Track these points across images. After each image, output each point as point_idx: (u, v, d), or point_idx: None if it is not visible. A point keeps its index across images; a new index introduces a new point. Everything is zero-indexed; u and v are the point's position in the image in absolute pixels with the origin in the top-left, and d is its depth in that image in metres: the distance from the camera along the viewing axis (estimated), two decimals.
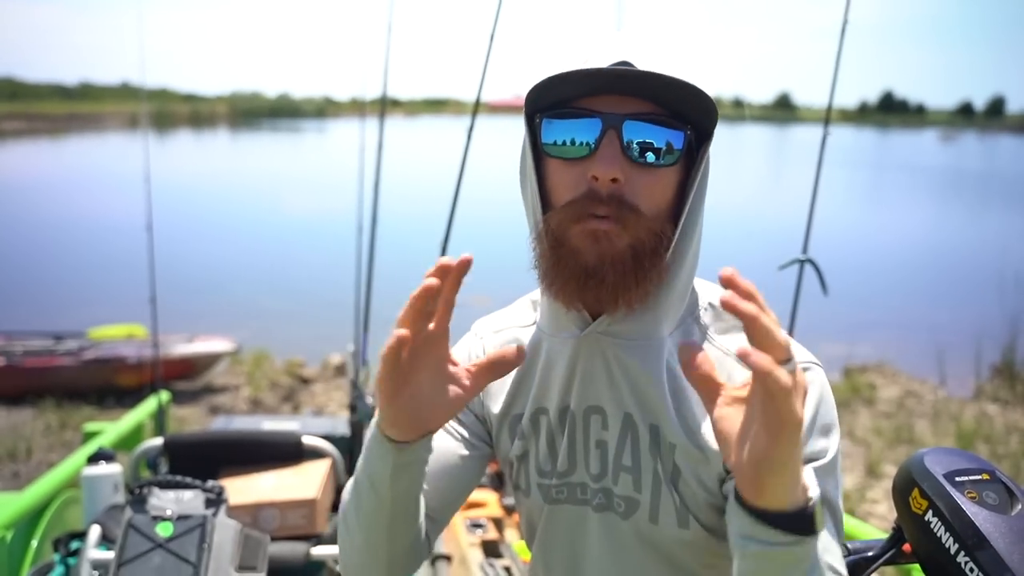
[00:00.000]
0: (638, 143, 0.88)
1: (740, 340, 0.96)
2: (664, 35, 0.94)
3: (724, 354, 0.97)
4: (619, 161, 0.87)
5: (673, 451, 0.95)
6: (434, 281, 0.78)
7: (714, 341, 0.98)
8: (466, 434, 1.08)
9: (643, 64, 0.88)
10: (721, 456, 0.92)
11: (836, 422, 0.94)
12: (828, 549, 0.86)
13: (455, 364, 0.85)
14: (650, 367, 0.95)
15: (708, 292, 1.02)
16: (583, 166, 0.89)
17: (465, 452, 1.07)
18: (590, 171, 0.88)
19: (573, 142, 0.90)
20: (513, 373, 1.05)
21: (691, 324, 0.99)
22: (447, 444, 1.06)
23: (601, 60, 0.89)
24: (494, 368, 0.86)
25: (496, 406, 1.07)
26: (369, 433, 0.89)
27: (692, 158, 0.93)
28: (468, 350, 1.13)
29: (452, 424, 1.08)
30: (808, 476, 0.71)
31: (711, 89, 0.91)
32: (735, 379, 0.93)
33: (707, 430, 0.93)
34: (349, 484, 0.97)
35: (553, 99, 0.91)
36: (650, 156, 0.89)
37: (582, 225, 0.88)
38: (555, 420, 1.02)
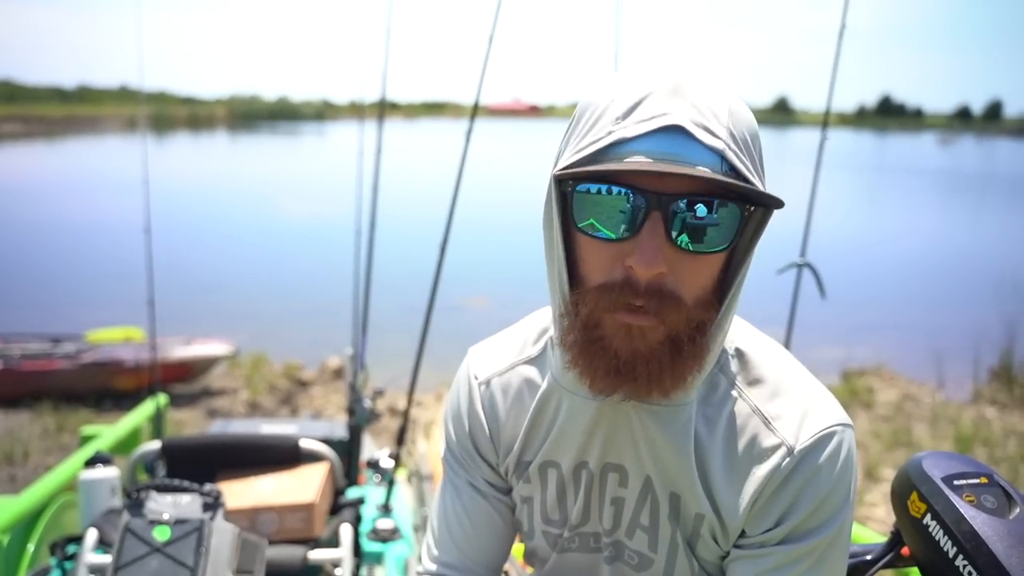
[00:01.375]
0: (687, 228, 0.77)
1: (768, 394, 0.91)
2: (715, 80, 0.82)
3: (751, 411, 0.90)
4: (663, 250, 0.77)
5: (700, 521, 0.91)
6: None
7: (742, 394, 0.91)
8: (496, 490, 1.06)
9: (696, 130, 0.76)
10: (738, 528, 0.91)
11: (852, 490, 0.89)
12: None
13: None
14: (676, 437, 0.89)
15: (734, 334, 0.95)
16: (621, 248, 0.79)
17: (502, 506, 1.06)
18: (628, 259, 0.78)
19: (609, 222, 0.78)
20: (524, 418, 1.00)
21: (717, 374, 0.92)
22: (479, 501, 1.05)
23: (648, 120, 0.77)
24: None
25: (506, 449, 1.03)
26: None
27: (743, 228, 0.82)
28: (471, 402, 1.04)
29: (475, 477, 1.06)
30: None
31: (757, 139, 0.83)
32: (760, 442, 0.89)
33: (729, 500, 0.90)
34: None
35: (585, 158, 0.79)
36: (700, 242, 0.78)
37: (616, 315, 0.79)
38: (568, 475, 0.97)
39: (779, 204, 0.78)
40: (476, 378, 1.04)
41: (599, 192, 0.78)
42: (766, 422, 0.89)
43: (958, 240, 16.24)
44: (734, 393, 0.91)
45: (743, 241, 0.83)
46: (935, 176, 35.08)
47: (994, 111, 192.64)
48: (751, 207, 0.80)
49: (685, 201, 0.76)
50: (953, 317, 9.47)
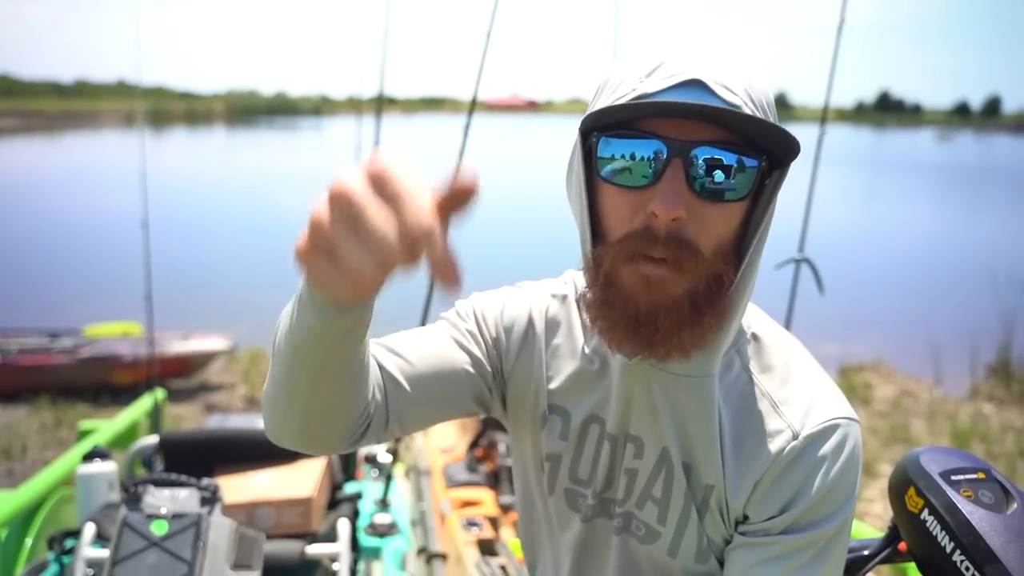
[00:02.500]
0: (706, 174, 0.78)
1: (779, 380, 0.92)
2: (732, 52, 0.83)
3: (761, 394, 0.91)
4: (683, 195, 0.78)
5: (710, 492, 0.92)
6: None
7: (754, 377, 0.92)
8: (481, 362, 0.99)
9: (716, 85, 0.79)
10: (739, 508, 0.91)
11: (855, 484, 0.90)
12: None
13: None
14: (699, 405, 0.90)
15: (748, 317, 0.96)
16: (642, 196, 0.80)
17: (469, 378, 0.97)
18: (649, 205, 0.79)
19: (633, 169, 0.80)
20: (572, 359, 0.97)
21: (732, 355, 0.93)
22: (454, 356, 0.97)
23: (669, 76, 0.79)
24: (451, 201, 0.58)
25: (534, 380, 0.99)
26: (294, 300, 0.75)
27: (760, 186, 0.84)
28: (529, 295, 1.02)
29: (469, 345, 0.99)
30: None
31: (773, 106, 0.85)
32: (767, 423, 0.90)
33: (734, 477, 0.90)
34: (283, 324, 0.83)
35: (613, 118, 0.81)
36: (720, 188, 0.79)
37: (635, 267, 0.80)
38: (605, 436, 0.97)
39: (795, 146, 0.79)
40: (547, 288, 1.03)
41: (622, 140, 0.80)
42: (774, 406, 0.90)
43: (956, 236, 16.25)
44: (746, 375, 0.92)
45: (762, 199, 0.85)
46: (933, 172, 35.12)
47: (992, 107, 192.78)
48: (767, 160, 0.82)
49: (704, 149, 0.78)
50: (951, 313, 9.48)
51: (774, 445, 0.88)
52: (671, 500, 0.94)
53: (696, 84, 0.78)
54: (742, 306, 0.87)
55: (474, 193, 0.57)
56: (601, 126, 0.82)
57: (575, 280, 1.02)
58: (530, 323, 1.01)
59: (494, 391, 1.01)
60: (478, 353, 0.99)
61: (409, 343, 0.96)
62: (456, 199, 0.56)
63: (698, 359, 0.88)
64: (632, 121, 0.80)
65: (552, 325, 1.01)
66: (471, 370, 0.98)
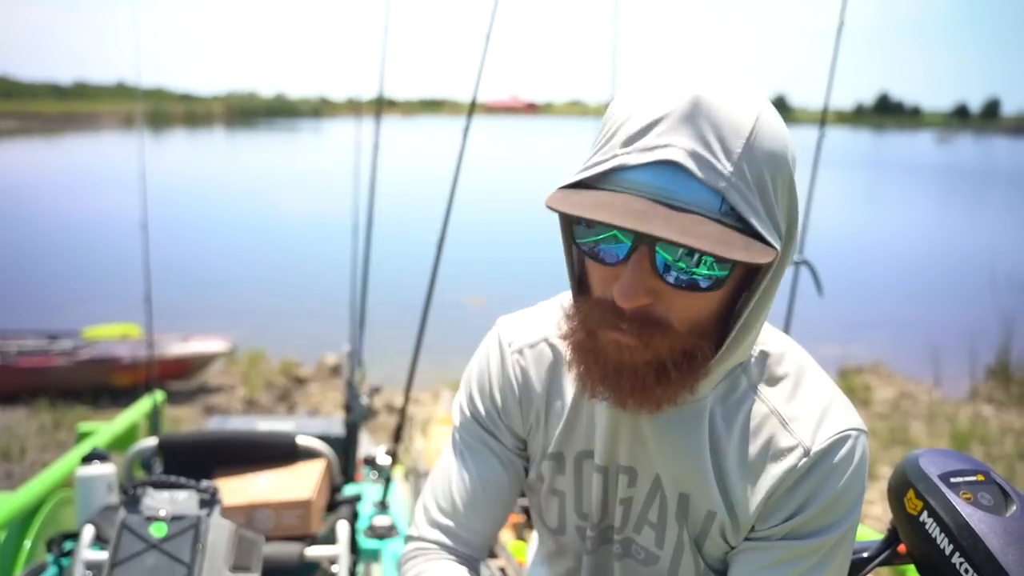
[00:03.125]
0: (675, 267, 0.76)
1: (787, 396, 0.92)
2: (744, 100, 0.77)
3: (769, 412, 0.91)
4: (646, 284, 0.77)
5: (711, 520, 0.92)
6: None
7: (761, 395, 0.92)
8: (508, 452, 1.05)
9: (699, 165, 0.74)
10: (750, 524, 0.91)
11: (861, 493, 0.90)
12: None
13: None
14: (687, 435, 0.90)
15: (760, 336, 0.94)
16: (612, 271, 0.80)
17: (510, 470, 1.05)
18: (615, 287, 0.78)
19: (603, 246, 0.79)
20: (559, 400, 1.00)
21: (738, 374, 0.92)
22: (489, 467, 1.04)
23: (650, 149, 0.75)
24: None
25: (541, 431, 1.03)
26: None
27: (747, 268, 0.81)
28: (503, 368, 1.04)
29: (491, 441, 1.04)
30: None
31: (785, 179, 0.79)
32: (777, 442, 0.90)
33: (743, 498, 0.90)
34: None
35: (591, 181, 0.80)
36: (685, 283, 0.77)
37: (606, 332, 0.81)
38: (596, 468, 0.98)
39: (763, 261, 0.74)
40: (510, 345, 1.04)
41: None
42: (783, 423, 0.90)
43: (956, 238, 16.26)
44: (753, 394, 0.92)
45: (756, 282, 0.82)
46: (933, 174, 35.13)
47: (992, 109, 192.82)
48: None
49: (669, 246, 0.75)
50: (950, 315, 9.48)
51: (786, 463, 0.89)
52: (666, 525, 0.95)
53: (674, 165, 0.74)
54: (733, 360, 0.87)
55: None
56: (564, 212, 0.80)
57: (562, 310, 1.01)
58: (520, 389, 1.03)
59: (523, 458, 1.07)
60: (506, 442, 1.04)
61: (460, 491, 1.04)
62: None
63: (666, 407, 0.87)
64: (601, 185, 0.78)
65: (534, 382, 1.02)
66: (509, 459, 1.04)
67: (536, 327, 1.04)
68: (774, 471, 0.89)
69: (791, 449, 0.89)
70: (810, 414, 0.90)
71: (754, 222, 0.75)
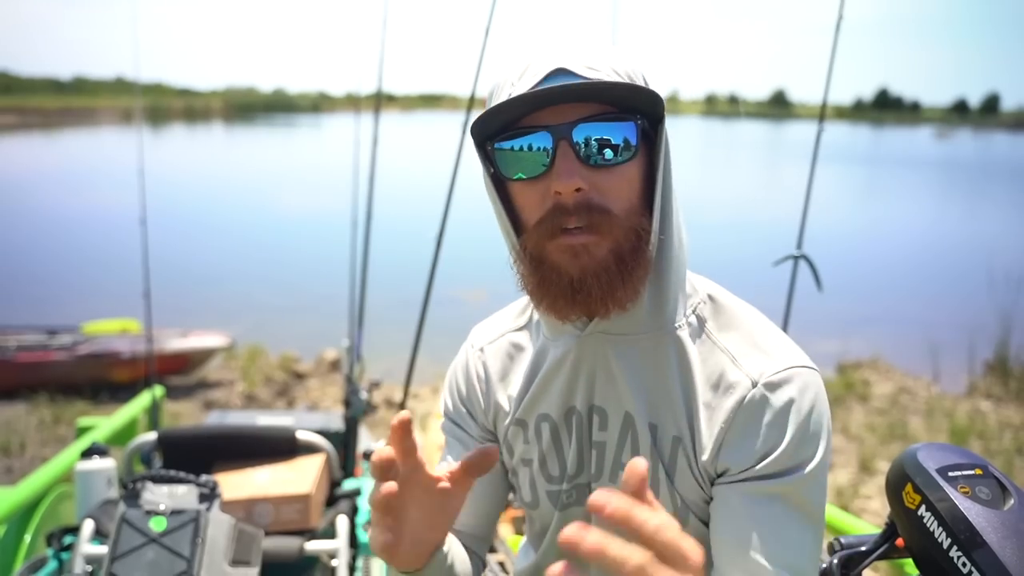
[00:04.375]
0: (593, 145, 0.86)
1: (737, 338, 0.97)
2: (594, 36, 0.92)
3: (720, 350, 0.96)
4: (577, 169, 0.86)
5: (677, 445, 0.95)
6: (387, 451, 0.76)
7: (711, 335, 0.98)
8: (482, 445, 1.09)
9: (580, 68, 0.86)
10: (712, 460, 0.94)
11: (824, 430, 0.93)
12: (794, 550, 0.89)
13: (439, 480, 0.81)
14: (654, 362, 0.96)
15: (704, 284, 1.02)
16: (544, 183, 0.88)
17: (494, 469, 1.09)
18: (552, 187, 0.87)
19: (528, 162, 0.88)
20: (517, 379, 1.07)
21: (690, 316, 0.98)
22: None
23: (537, 73, 0.87)
24: (470, 471, 0.80)
25: (501, 414, 1.08)
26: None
27: (651, 146, 0.91)
28: (467, 366, 1.12)
29: (466, 437, 1.11)
30: None
31: (652, 76, 0.92)
32: (727, 376, 0.94)
33: (700, 427, 0.94)
34: None
35: (500, 124, 0.89)
36: (608, 154, 0.87)
37: (557, 241, 0.88)
38: (561, 423, 1.02)
39: (656, 98, 0.87)
40: (473, 347, 1.13)
41: (513, 143, 0.88)
42: (733, 360, 0.95)
43: (954, 233, 16.27)
44: (704, 334, 0.97)
45: (658, 152, 0.91)
46: (931, 169, 35.13)
47: (991, 104, 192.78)
48: (642, 117, 0.89)
49: (584, 124, 0.86)
50: (949, 310, 9.49)
51: (734, 396, 0.93)
52: None
53: (562, 72, 0.86)
54: (673, 255, 0.93)
55: (408, 427, 0.76)
56: (491, 134, 0.90)
57: (521, 301, 1.11)
58: (480, 383, 1.10)
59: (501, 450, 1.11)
60: (478, 436, 1.10)
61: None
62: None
63: (642, 315, 0.94)
64: (515, 122, 0.88)
65: (493, 373, 1.10)
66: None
67: (497, 326, 1.13)
68: (725, 405, 0.93)
69: (739, 383, 0.93)
70: (758, 351, 0.95)
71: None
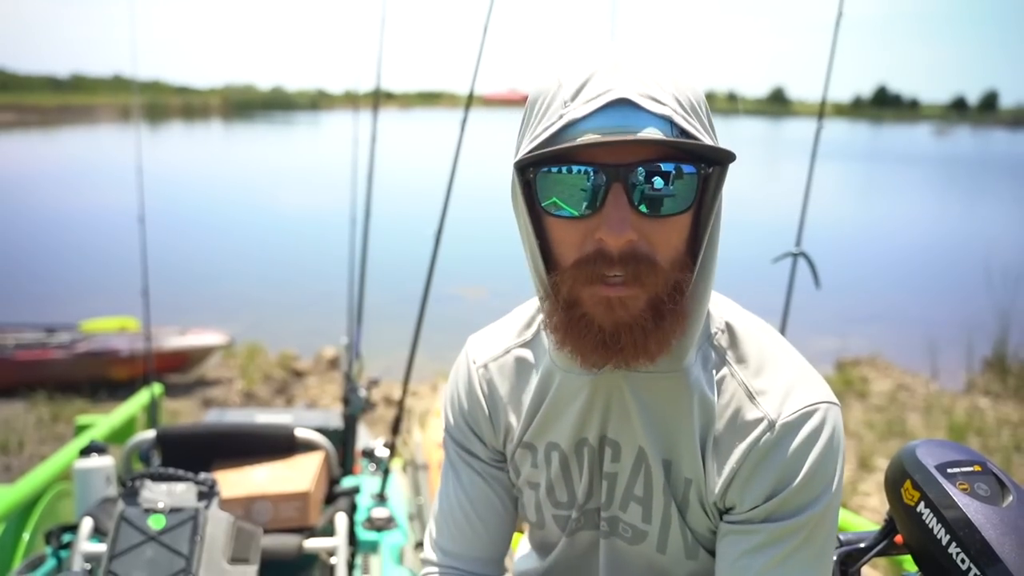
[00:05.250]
0: (647, 194, 0.79)
1: (755, 370, 0.93)
2: (656, 54, 0.83)
3: (737, 385, 0.92)
4: (629, 218, 0.79)
5: (689, 486, 0.93)
6: None
7: (730, 368, 0.93)
8: (492, 467, 1.08)
9: (644, 100, 0.78)
10: (722, 498, 0.92)
11: (839, 465, 0.91)
12: None
13: None
14: (672, 401, 0.92)
15: (721, 310, 0.97)
16: (588, 223, 0.81)
17: (500, 485, 1.08)
18: (597, 232, 0.80)
19: (575, 199, 0.80)
20: (526, 401, 1.02)
21: (707, 348, 0.94)
22: (480, 485, 1.07)
23: (596, 98, 0.79)
24: None
25: (511, 433, 1.05)
26: None
27: (703, 185, 0.84)
28: (470, 383, 1.07)
29: (474, 461, 1.08)
30: None
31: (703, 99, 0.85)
32: (743, 415, 0.91)
33: (711, 471, 0.92)
34: None
35: (544, 146, 0.81)
36: (664, 204, 0.80)
37: (594, 289, 0.81)
38: (571, 453, 0.99)
39: (730, 156, 0.80)
40: (475, 363, 1.07)
41: (560, 172, 0.80)
42: (751, 396, 0.91)
43: (953, 230, 16.27)
44: (723, 368, 0.93)
45: (707, 200, 0.85)
46: (930, 167, 35.11)
47: (989, 102, 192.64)
48: (706, 166, 0.82)
49: (642, 169, 0.78)
50: (947, 307, 9.50)
51: (751, 437, 0.89)
52: (652, 498, 0.95)
53: (623, 102, 0.78)
54: (704, 303, 0.88)
55: None
56: (536, 160, 0.82)
57: (524, 316, 1.06)
58: (487, 402, 1.06)
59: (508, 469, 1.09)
60: (487, 458, 1.08)
61: (458, 511, 1.08)
62: None
63: (666, 358, 0.89)
64: (566, 155, 0.80)
65: (500, 392, 1.05)
66: (497, 475, 1.07)
67: (499, 340, 1.07)
68: (740, 446, 0.90)
69: (756, 422, 0.90)
70: (777, 388, 0.91)
71: (702, 137, 0.80)
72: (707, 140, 0.81)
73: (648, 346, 0.83)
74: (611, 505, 0.99)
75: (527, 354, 1.03)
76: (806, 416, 0.89)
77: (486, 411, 1.05)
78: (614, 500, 0.98)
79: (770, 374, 0.92)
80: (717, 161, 0.83)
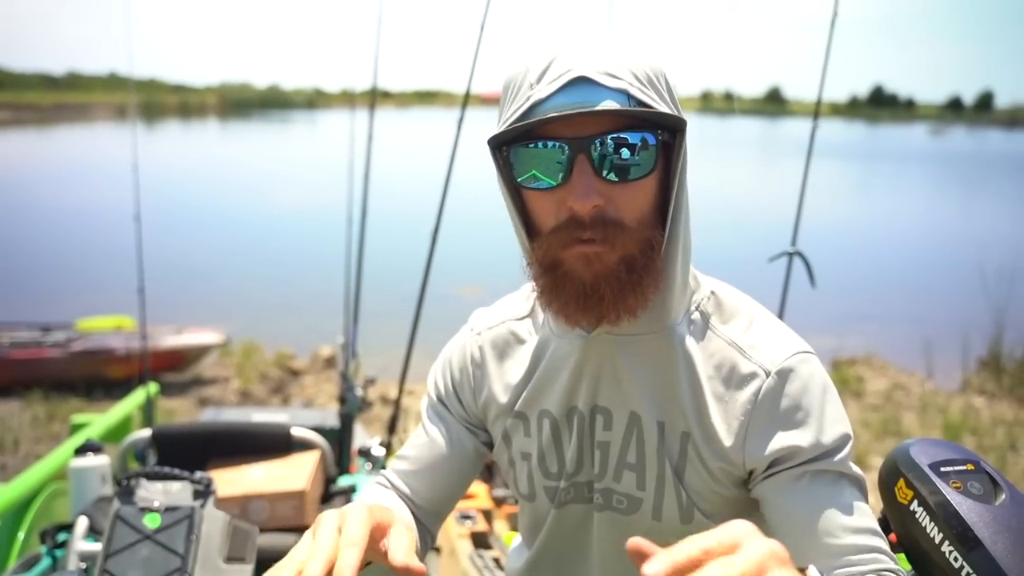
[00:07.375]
0: (611, 160, 0.86)
1: (742, 328, 0.99)
2: (616, 36, 0.90)
3: (727, 344, 0.98)
4: (594, 186, 0.86)
5: (686, 440, 0.97)
6: None
7: (717, 330, 0.99)
8: (462, 427, 1.11)
9: (600, 76, 0.85)
10: (737, 453, 0.95)
11: (843, 417, 0.96)
12: (861, 511, 0.92)
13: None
14: (661, 360, 0.97)
15: (709, 282, 1.04)
16: (559, 193, 0.88)
17: (462, 445, 1.11)
18: (568, 200, 0.87)
19: (544, 173, 0.88)
20: (514, 371, 1.07)
21: (695, 313, 1.00)
22: (443, 437, 1.10)
23: (557, 78, 0.86)
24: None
25: (495, 403, 1.09)
26: None
27: (668, 153, 0.91)
28: (463, 348, 1.14)
29: (447, 416, 1.12)
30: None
31: (671, 74, 0.91)
32: (738, 369, 0.96)
33: (720, 422, 0.96)
34: None
35: (516, 130, 0.88)
36: (626, 170, 0.87)
37: (571, 250, 0.89)
38: (562, 421, 1.03)
39: (681, 122, 0.87)
40: (472, 329, 1.15)
41: (529, 147, 0.88)
42: (741, 352, 0.97)
43: (948, 229, 16.30)
44: (709, 328, 0.99)
45: (673, 164, 0.91)
46: (926, 166, 35.18)
47: (985, 102, 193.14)
48: (665, 133, 0.89)
49: (601, 139, 0.85)
50: (943, 307, 9.52)
51: (749, 387, 0.95)
52: (646, 463, 0.98)
53: (582, 80, 0.85)
54: (679, 258, 0.94)
55: None
56: (508, 139, 0.90)
57: (525, 290, 1.12)
58: (474, 367, 1.12)
59: (479, 436, 1.13)
60: (459, 417, 1.12)
61: (414, 450, 1.13)
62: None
63: (650, 316, 0.95)
64: (533, 130, 0.87)
65: (490, 359, 1.10)
66: (463, 435, 1.11)
67: (499, 312, 1.14)
68: (742, 397, 0.95)
69: (753, 375, 0.95)
70: (765, 342, 0.97)
71: (658, 106, 0.87)
72: (664, 109, 0.87)
73: (626, 298, 0.90)
74: (604, 476, 1.01)
75: (522, 326, 1.10)
76: (800, 360, 0.96)
77: (471, 374, 1.12)
78: (608, 471, 1.01)
79: (756, 331, 0.99)
80: (673, 128, 0.89)
